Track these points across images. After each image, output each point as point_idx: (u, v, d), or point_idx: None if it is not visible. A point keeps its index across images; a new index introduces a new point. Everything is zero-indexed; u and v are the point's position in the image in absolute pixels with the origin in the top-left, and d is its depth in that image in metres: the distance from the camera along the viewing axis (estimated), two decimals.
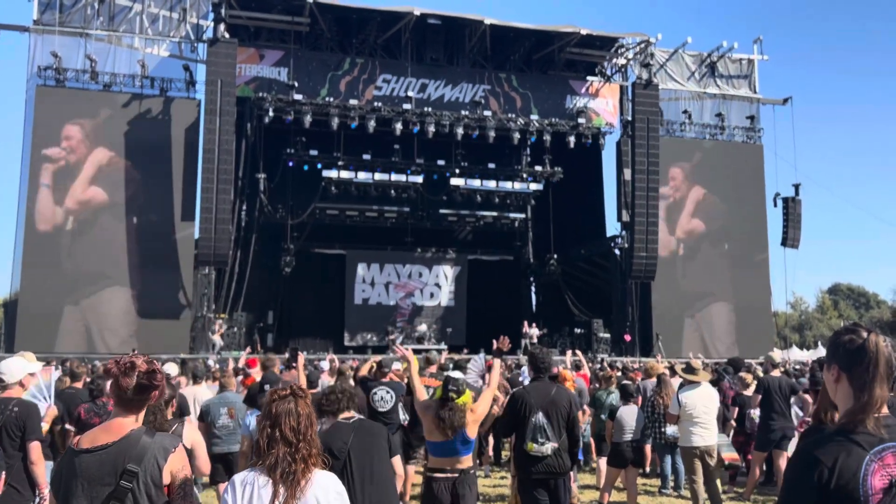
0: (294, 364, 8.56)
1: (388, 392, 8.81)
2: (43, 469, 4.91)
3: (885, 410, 2.16)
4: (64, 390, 8.03)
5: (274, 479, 2.77)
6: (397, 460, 4.84)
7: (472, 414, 5.37)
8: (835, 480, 2.03)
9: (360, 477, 4.39)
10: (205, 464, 4.65)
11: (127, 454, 2.83)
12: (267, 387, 8.27)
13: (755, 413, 10.12)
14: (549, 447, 5.77)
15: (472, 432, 5.37)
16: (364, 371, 9.79)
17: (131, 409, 2.96)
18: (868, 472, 2.03)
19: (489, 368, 9.00)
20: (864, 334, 2.21)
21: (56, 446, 7.56)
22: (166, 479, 2.87)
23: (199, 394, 8.96)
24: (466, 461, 5.38)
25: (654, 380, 10.37)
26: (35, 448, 4.82)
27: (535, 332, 27.06)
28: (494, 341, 5.95)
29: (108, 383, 3.06)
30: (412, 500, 9.36)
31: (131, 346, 21.57)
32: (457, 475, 5.30)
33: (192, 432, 4.71)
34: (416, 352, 22.00)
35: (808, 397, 9.68)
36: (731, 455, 9.53)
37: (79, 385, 8.24)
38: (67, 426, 7.23)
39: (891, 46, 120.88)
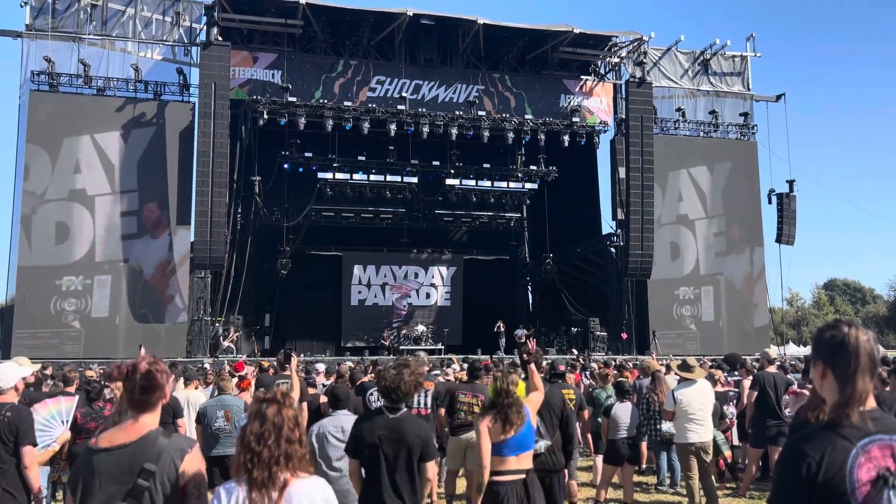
0: (287, 366, 8.57)
1: None
2: (37, 473, 4.92)
3: (870, 403, 2.20)
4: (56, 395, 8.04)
5: (248, 485, 2.76)
6: (429, 465, 4.48)
7: (531, 404, 5.15)
8: (822, 474, 2.07)
9: (388, 476, 4.35)
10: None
11: (144, 454, 2.87)
12: (261, 389, 8.30)
13: (728, 409, 10.19)
14: (542, 445, 5.78)
15: (534, 419, 5.15)
16: (365, 380, 9.81)
17: (143, 409, 3.00)
18: (854, 464, 2.07)
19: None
20: (845, 329, 2.24)
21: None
22: (181, 480, 2.89)
23: (192, 396, 8.95)
24: (530, 458, 5.03)
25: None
26: (28, 453, 4.82)
27: (521, 332, 27.11)
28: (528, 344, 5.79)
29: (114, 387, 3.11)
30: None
31: (130, 350, 21.60)
32: (524, 476, 4.91)
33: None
34: (409, 352, 22.04)
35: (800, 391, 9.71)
36: (728, 453, 9.61)
37: (71, 390, 8.26)
38: None
39: (882, 42, 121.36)
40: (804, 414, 2.33)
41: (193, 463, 2.94)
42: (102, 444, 2.93)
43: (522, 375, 5.42)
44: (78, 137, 23.71)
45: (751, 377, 10.53)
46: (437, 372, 11.30)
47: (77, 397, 7.48)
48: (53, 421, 6.10)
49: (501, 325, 28.41)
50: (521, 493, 4.82)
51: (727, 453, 9.91)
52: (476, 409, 8.46)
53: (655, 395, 9.63)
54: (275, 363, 9.95)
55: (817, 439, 2.13)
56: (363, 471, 4.51)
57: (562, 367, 7.58)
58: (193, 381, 9.39)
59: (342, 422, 5.64)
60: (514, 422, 4.82)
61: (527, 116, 27.85)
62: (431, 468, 4.48)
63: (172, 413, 7.58)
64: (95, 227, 23.65)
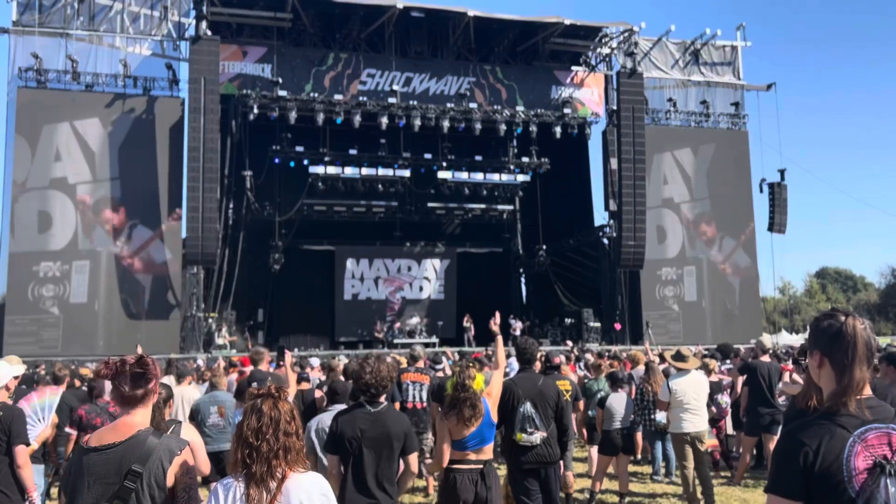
0: (282, 362, 8.55)
1: None
2: (30, 473, 4.89)
3: (867, 392, 2.21)
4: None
5: (246, 481, 2.74)
6: (412, 457, 4.53)
7: (490, 397, 5.19)
8: (819, 463, 2.09)
9: (371, 471, 4.32)
10: (204, 464, 4.65)
11: (132, 454, 2.83)
12: (254, 384, 8.28)
13: (722, 398, 10.24)
14: (537, 437, 5.79)
15: (495, 415, 5.20)
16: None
17: (133, 405, 2.96)
18: (851, 453, 2.08)
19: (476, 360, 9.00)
20: (842, 318, 2.25)
21: (47, 450, 7.55)
22: (170, 482, 2.85)
23: (187, 393, 8.91)
24: (489, 451, 5.12)
25: (642, 367, 10.43)
26: (21, 452, 4.80)
27: (518, 324, 27.18)
28: (492, 323, 5.89)
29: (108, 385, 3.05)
30: (407, 493, 9.39)
31: (121, 348, 21.54)
32: (481, 466, 5.00)
33: (190, 433, 4.74)
34: (405, 346, 22.13)
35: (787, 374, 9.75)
36: (710, 442, 9.65)
37: (62, 388, 8.23)
38: (68, 429, 7.22)
39: (871, 32, 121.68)
40: (800, 403, 2.33)
41: (183, 465, 2.89)
42: (92, 444, 2.90)
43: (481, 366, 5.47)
44: (56, 125, 23.49)
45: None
46: (441, 365, 11.35)
47: (62, 390, 7.43)
48: (35, 417, 6.07)
49: (469, 318, 28.64)
50: (475, 479, 4.93)
51: (710, 442, 9.96)
52: None
53: (650, 386, 9.66)
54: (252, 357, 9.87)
55: (814, 428, 2.14)
56: (342, 467, 4.46)
57: (557, 360, 7.58)
58: (187, 378, 9.34)
59: None
60: (472, 416, 4.92)
61: (518, 108, 27.81)
62: (414, 460, 4.52)
63: None
64: (77, 215, 23.50)
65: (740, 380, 10.32)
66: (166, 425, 4.55)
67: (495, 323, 5.87)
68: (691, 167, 29.28)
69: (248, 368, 11.09)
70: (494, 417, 5.19)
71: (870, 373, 2.22)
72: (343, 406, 5.75)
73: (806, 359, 2.41)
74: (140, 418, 2.97)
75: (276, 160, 27.35)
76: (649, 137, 27.10)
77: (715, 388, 10.21)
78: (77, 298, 23.05)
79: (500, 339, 5.85)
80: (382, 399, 4.59)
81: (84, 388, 9.03)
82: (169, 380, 9.23)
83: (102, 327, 23.06)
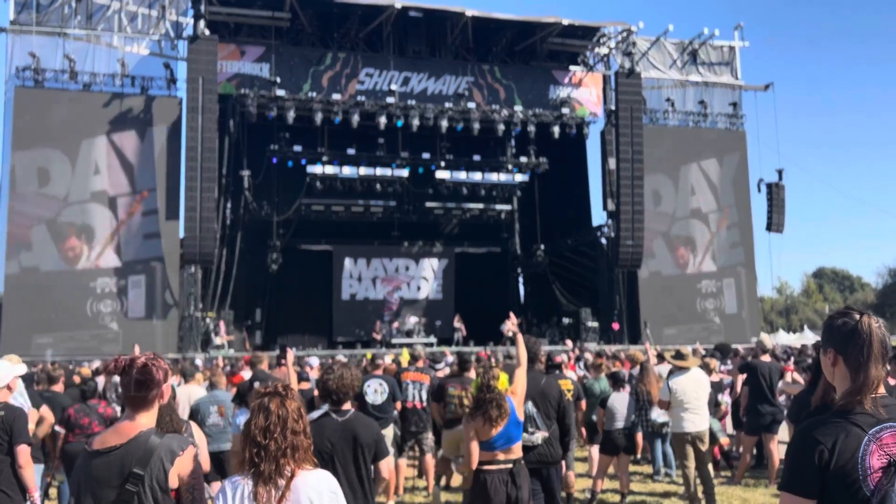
0: (283, 361, 8.52)
1: (381, 384, 8.80)
2: (32, 473, 4.88)
3: (881, 390, 2.20)
4: (41, 393, 8.00)
5: (254, 479, 2.72)
6: (384, 463, 4.37)
7: (515, 396, 5.18)
8: (834, 461, 2.08)
9: (345, 481, 4.18)
10: (205, 462, 4.66)
11: (133, 456, 2.79)
12: (256, 384, 8.25)
13: (723, 398, 10.26)
14: (539, 436, 5.78)
15: (520, 413, 5.18)
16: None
17: (137, 407, 2.93)
18: (867, 452, 2.08)
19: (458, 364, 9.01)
20: (857, 316, 2.25)
21: (47, 450, 7.54)
22: (173, 483, 2.81)
23: (194, 392, 8.91)
24: (518, 450, 5.09)
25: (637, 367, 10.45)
26: (23, 452, 4.78)
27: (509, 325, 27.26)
28: (507, 323, 5.87)
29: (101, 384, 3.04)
30: (408, 492, 9.37)
31: (119, 348, 21.49)
32: (511, 465, 4.97)
33: (198, 432, 4.82)
34: (404, 346, 22.10)
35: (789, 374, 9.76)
36: (725, 439, 9.64)
37: (57, 388, 8.21)
38: (57, 428, 7.22)
39: (868, 31, 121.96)
40: (815, 401, 2.33)
41: (185, 465, 2.85)
42: (96, 447, 2.87)
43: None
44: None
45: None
46: (440, 364, 11.34)
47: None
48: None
49: (459, 318, 28.73)
50: (506, 479, 4.93)
51: (724, 440, 9.95)
52: (465, 402, 8.44)
53: (643, 385, 9.66)
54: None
55: (830, 426, 2.14)
56: None
57: (558, 359, 7.57)
58: (195, 376, 9.34)
59: None
60: (498, 417, 4.92)
61: (516, 108, 27.78)
62: (385, 466, 4.39)
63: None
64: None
65: (740, 379, 10.32)
66: (181, 424, 4.59)
67: (513, 323, 5.85)
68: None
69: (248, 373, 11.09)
70: (520, 416, 5.18)
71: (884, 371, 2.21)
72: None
73: (813, 357, 2.40)
74: (145, 420, 2.94)
75: (274, 160, 27.31)
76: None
77: (716, 388, 10.21)
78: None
79: (520, 337, 5.78)
80: (348, 405, 4.46)
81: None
82: (175, 379, 9.23)
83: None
